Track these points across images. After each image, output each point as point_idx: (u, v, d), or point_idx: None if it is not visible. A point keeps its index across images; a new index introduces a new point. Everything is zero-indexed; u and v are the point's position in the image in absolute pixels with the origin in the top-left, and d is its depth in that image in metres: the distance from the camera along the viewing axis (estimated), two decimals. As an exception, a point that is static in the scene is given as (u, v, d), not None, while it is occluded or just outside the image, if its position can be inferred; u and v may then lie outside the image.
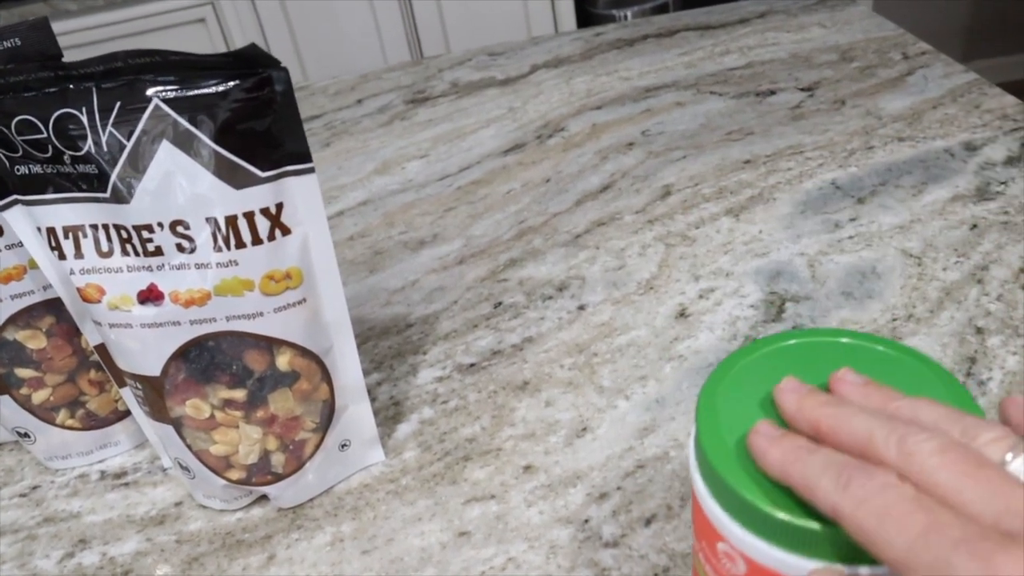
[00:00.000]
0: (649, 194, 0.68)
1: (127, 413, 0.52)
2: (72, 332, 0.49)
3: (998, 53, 2.56)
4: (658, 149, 0.74)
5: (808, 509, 0.27)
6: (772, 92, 0.82)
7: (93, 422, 0.51)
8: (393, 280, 0.63)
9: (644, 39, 0.97)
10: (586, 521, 0.43)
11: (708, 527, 0.30)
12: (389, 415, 0.51)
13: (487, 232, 0.67)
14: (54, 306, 0.47)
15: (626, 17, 1.92)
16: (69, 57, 0.39)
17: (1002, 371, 0.48)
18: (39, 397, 0.49)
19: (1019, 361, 0.48)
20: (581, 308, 0.57)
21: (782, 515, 0.27)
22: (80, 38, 1.71)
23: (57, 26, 1.69)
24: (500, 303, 0.59)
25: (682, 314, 0.55)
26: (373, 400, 0.52)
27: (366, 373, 0.54)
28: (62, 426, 0.51)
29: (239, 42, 1.80)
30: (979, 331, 0.51)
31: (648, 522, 0.42)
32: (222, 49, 1.80)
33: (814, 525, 0.26)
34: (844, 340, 0.32)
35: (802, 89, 0.82)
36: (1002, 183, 0.65)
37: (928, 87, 0.79)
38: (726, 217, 0.64)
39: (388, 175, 0.77)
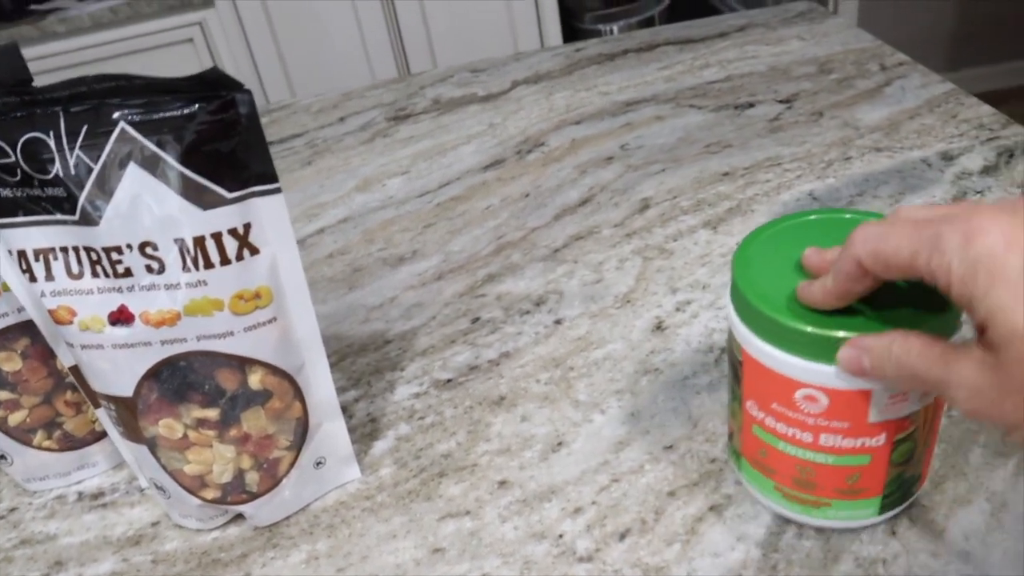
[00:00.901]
0: (627, 208, 0.69)
1: (104, 434, 0.52)
2: (47, 354, 0.49)
3: (982, 62, 2.58)
4: (637, 163, 0.75)
5: (866, 322, 0.33)
6: (751, 105, 0.83)
7: (70, 443, 0.51)
8: (372, 297, 0.63)
9: (624, 54, 0.98)
10: (560, 536, 0.43)
11: (780, 385, 0.36)
12: (366, 432, 0.51)
13: (466, 248, 0.67)
14: (29, 328, 0.47)
15: (612, 31, 1.94)
16: (58, 78, 0.39)
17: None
18: (15, 419, 0.49)
19: (993, 369, 0.49)
20: (558, 322, 0.57)
21: (858, 334, 0.33)
22: (68, 59, 1.71)
23: (45, 48, 1.70)
24: (478, 318, 0.59)
25: (659, 327, 0.56)
26: (350, 417, 0.52)
27: (343, 390, 0.54)
28: (39, 447, 0.50)
29: (227, 61, 1.81)
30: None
31: (622, 536, 0.42)
32: (210, 68, 1.81)
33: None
34: (847, 216, 0.39)
35: (780, 101, 0.82)
36: (978, 192, 0.65)
37: (905, 97, 0.80)
38: (704, 229, 0.65)
39: (369, 192, 0.77)
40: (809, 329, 0.33)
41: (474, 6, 1.83)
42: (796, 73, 0.87)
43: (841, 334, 0.33)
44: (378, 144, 0.85)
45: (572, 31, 1.97)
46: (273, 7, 1.76)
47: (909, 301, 0.34)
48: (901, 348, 0.31)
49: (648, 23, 1.94)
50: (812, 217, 0.39)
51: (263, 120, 0.94)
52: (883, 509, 0.39)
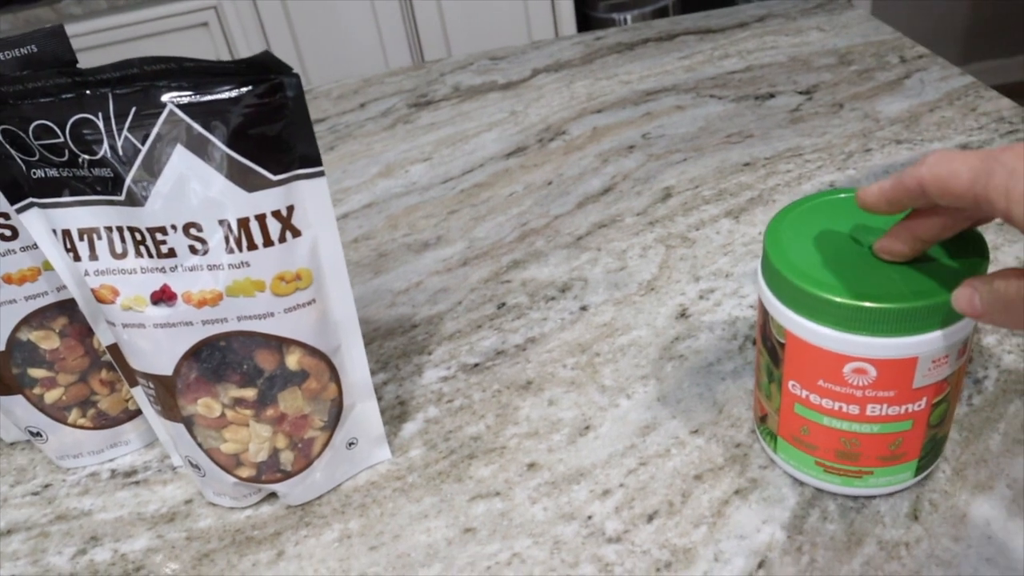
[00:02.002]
0: (650, 196, 0.69)
1: (137, 412, 0.53)
2: (84, 332, 0.49)
3: (996, 55, 2.57)
4: (658, 152, 0.75)
5: (909, 293, 0.35)
6: (771, 95, 0.83)
7: (104, 421, 0.52)
8: (398, 282, 0.64)
9: (644, 43, 0.98)
10: (589, 517, 0.44)
11: (827, 362, 0.37)
12: (395, 414, 0.52)
13: (490, 234, 0.67)
14: (67, 307, 0.48)
15: (626, 21, 1.94)
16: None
17: (998, 370, 0.49)
18: (51, 397, 0.50)
19: (1015, 360, 0.49)
20: (583, 309, 0.58)
21: (909, 304, 0.34)
22: (84, 42, 1.72)
23: (61, 30, 1.70)
24: (503, 304, 0.60)
25: (682, 314, 0.56)
26: (379, 399, 0.53)
27: (372, 373, 0.55)
28: (74, 425, 0.51)
29: (241, 46, 1.82)
30: (975, 330, 0.52)
31: (650, 518, 0.43)
32: (225, 52, 1.81)
33: (940, 297, 0.34)
34: None
35: (801, 92, 0.83)
36: (998, 185, 0.66)
37: (925, 90, 0.80)
38: (726, 219, 0.65)
39: (392, 178, 0.78)
40: (867, 304, 0.35)
41: (489, -6, 1.83)
42: (816, 64, 0.88)
43: (894, 306, 0.34)
44: (399, 130, 0.86)
45: (586, 20, 1.97)
46: (288, -8, 1.77)
47: (943, 267, 0.36)
48: (1003, 280, 0.32)
49: (662, 12, 1.93)
50: (842, 196, 0.41)
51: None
52: (919, 471, 0.41)
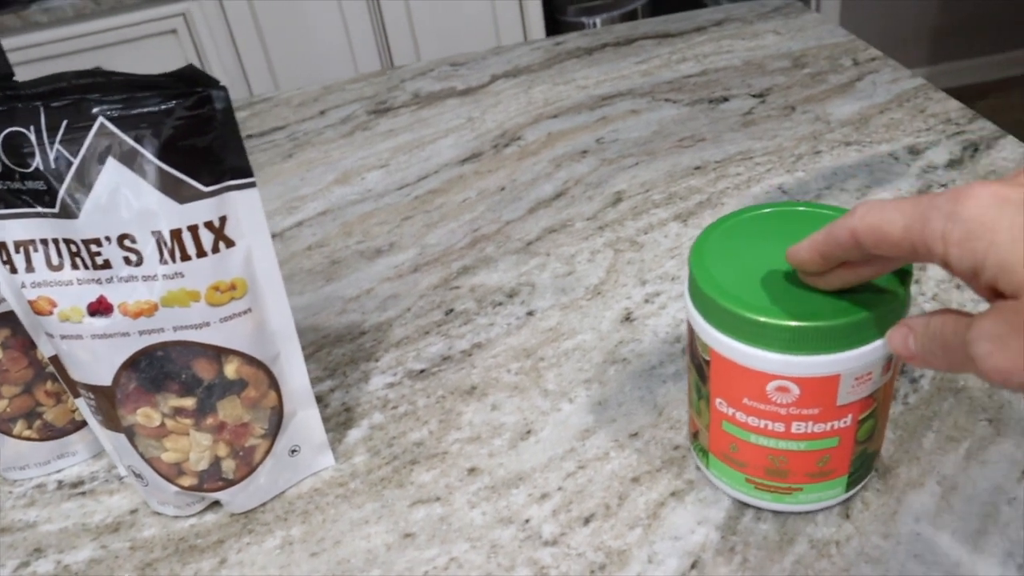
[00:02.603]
0: (601, 201, 0.70)
1: (84, 423, 0.53)
2: (28, 344, 0.49)
3: (965, 56, 2.60)
4: (611, 156, 0.76)
5: (829, 310, 0.35)
6: (725, 99, 0.84)
7: (50, 432, 0.52)
8: (349, 289, 0.64)
9: (603, 48, 0.99)
10: (527, 521, 0.44)
11: (751, 380, 0.37)
12: (341, 421, 0.52)
13: (442, 240, 0.68)
14: (9, 319, 0.48)
15: (595, 25, 1.95)
16: (42, 69, 0.40)
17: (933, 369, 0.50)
18: (-4, 409, 0.50)
19: (949, 359, 0.50)
20: (530, 314, 0.59)
21: (828, 322, 0.34)
22: (51, 50, 1.71)
23: (27, 38, 1.70)
24: (452, 310, 0.60)
25: (627, 318, 0.57)
26: (325, 407, 0.53)
27: (319, 380, 0.56)
28: (19, 437, 0.51)
29: (211, 53, 1.81)
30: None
31: (587, 521, 0.44)
32: (194, 59, 1.81)
33: (860, 314, 0.34)
34: (801, 209, 0.40)
35: (754, 95, 0.84)
36: (943, 185, 0.67)
37: (876, 92, 0.82)
38: (675, 222, 0.66)
39: (348, 185, 0.78)
40: (786, 323, 0.35)
41: (457, 1, 1.84)
42: (770, 67, 0.89)
43: (813, 324, 0.35)
44: (358, 137, 0.86)
45: (555, 24, 1.98)
46: (256, -2, 1.77)
47: (865, 289, 0.36)
48: (938, 321, 0.32)
49: (631, 16, 1.95)
50: (766, 211, 0.41)
51: (244, 113, 0.94)
52: (849, 486, 0.41)
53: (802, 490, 0.41)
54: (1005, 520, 0.41)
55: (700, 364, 0.40)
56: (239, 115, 0.95)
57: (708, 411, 0.41)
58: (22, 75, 0.41)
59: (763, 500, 0.42)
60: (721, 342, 0.37)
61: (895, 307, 0.36)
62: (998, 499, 0.42)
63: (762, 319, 0.35)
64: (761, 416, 0.38)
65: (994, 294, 0.29)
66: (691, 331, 0.40)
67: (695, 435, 0.44)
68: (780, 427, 0.38)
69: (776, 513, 0.43)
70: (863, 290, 0.36)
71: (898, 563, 0.40)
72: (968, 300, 0.55)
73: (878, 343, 0.36)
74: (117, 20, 1.73)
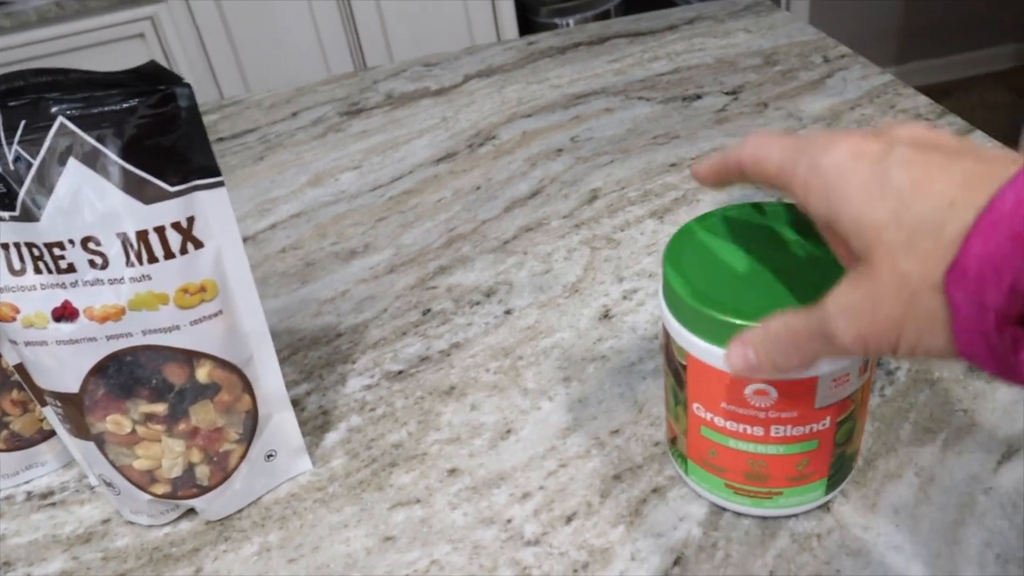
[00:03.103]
0: (576, 199, 0.70)
1: (53, 432, 0.51)
2: (-8, 352, 0.48)
3: (932, 55, 2.64)
4: (586, 155, 0.76)
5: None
6: (698, 96, 0.84)
7: (18, 443, 0.51)
8: (324, 291, 0.63)
9: (576, 47, 0.99)
10: (508, 521, 0.44)
11: (729, 384, 0.36)
12: (318, 424, 0.51)
13: (417, 241, 0.67)
14: (-28, 327, 0.47)
15: (568, 25, 1.95)
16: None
17: (909, 361, 0.50)
18: (-40, 419, 0.49)
19: (926, 350, 0.50)
20: (508, 313, 0.58)
21: None
22: (14, 55, 1.68)
23: (-10, 43, 1.66)
24: (429, 310, 0.59)
25: (606, 315, 0.57)
26: (302, 410, 0.53)
27: (295, 383, 0.55)
28: (-15, 448, 0.50)
29: (179, 56, 1.79)
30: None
31: (569, 520, 0.43)
32: (163, 63, 1.78)
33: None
34: (773, 205, 0.40)
35: (727, 93, 0.84)
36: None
37: (847, 89, 0.82)
38: (651, 219, 0.66)
39: (321, 187, 0.77)
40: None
41: (430, 2, 1.83)
42: (742, 65, 0.89)
43: None
44: (331, 139, 0.85)
45: (529, 25, 1.98)
46: (225, 2, 1.74)
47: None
48: (777, 322, 0.32)
49: (604, 16, 1.95)
50: (730, 214, 0.40)
51: (215, 116, 0.93)
52: (829, 489, 0.41)
53: (782, 494, 0.40)
54: (982, 510, 0.41)
55: (677, 369, 0.39)
56: (209, 118, 0.94)
57: (686, 416, 0.40)
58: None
59: (743, 505, 0.42)
60: (698, 346, 0.36)
61: None
62: (975, 489, 0.42)
63: (738, 322, 0.34)
64: (740, 420, 0.38)
65: (848, 253, 0.29)
66: (667, 335, 0.39)
67: (673, 440, 0.43)
68: (759, 431, 0.38)
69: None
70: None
71: (878, 555, 0.40)
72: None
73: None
74: (82, 24, 1.70)
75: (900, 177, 0.26)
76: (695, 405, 0.39)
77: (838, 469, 0.41)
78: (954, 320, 0.25)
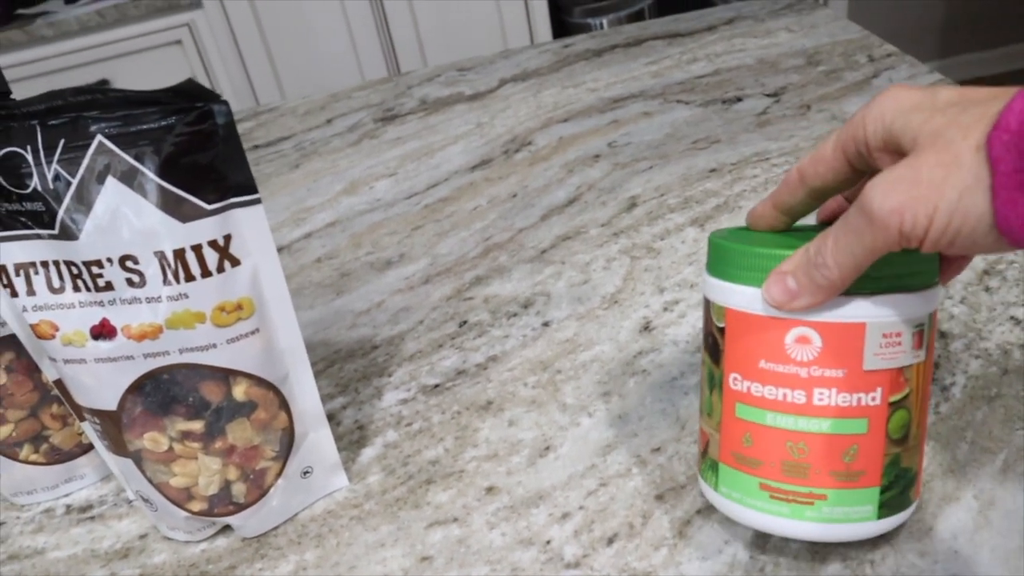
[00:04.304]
0: (615, 206, 0.69)
1: (91, 446, 0.52)
2: (32, 367, 0.48)
3: (975, 48, 2.58)
4: (624, 160, 0.75)
5: None
6: (738, 99, 0.82)
7: (57, 456, 0.51)
8: (359, 302, 0.63)
9: (612, 49, 0.97)
10: (548, 542, 0.43)
11: (769, 333, 0.35)
12: (354, 439, 0.51)
13: (453, 250, 0.67)
14: (13, 342, 0.47)
15: (602, 26, 1.93)
16: (47, 83, 0.39)
17: (965, 376, 0.48)
18: (1, 433, 0.49)
19: (983, 365, 0.49)
20: (546, 325, 0.57)
21: None
22: (57, 64, 1.71)
23: (33, 52, 1.69)
24: (465, 322, 0.59)
25: (646, 328, 0.55)
26: (338, 424, 0.52)
27: (331, 397, 0.54)
28: (26, 461, 0.50)
29: (216, 63, 1.81)
30: (942, 335, 0.51)
31: (610, 541, 0.42)
32: (199, 69, 1.80)
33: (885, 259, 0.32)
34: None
35: (768, 95, 0.82)
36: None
37: (893, 90, 0.80)
38: (691, 227, 0.65)
39: (356, 195, 0.77)
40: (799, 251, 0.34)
41: (463, 4, 1.82)
42: (784, 66, 0.87)
43: None
44: (365, 146, 0.85)
45: (562, 26, 1.96)
46: (261, 7, 1.76)
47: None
48: (815, 241, 0.33)
49: (637, 16, 1.93)
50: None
51: (250, 123, 0.93)
52: (881, 509, 0.37)
53: (826, 498, 0.36)
54: (1047, 535, 0.39)
55: (715, 340, 0.38)
56: (244, 126, 0.94)
57: (720, 400, 0.38)
58: (29, 90, 0.39)
59: (780, 515, 0.37)
60: (735, 293, 0.36)
61: (920, 259, 0.34)
62: (1039, 512, 0.40)
63: (777, 251, 0.35)
64: (779, 383, 0.36)
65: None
66: (706, 310, 0.38)
67: (704, 452, 0.40)
68: (801, 396, 0.35)
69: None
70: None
71: (936, 582, 0.38)
72: (998, 304, 0.53)
73: (905, 296, 0.34)
74: (122, 32, 1.73)
75: (947, 93, 0.30)
76: (732, 376, 0.37)
77: (892, 480, 0.37)
78: (994, 175, 0.27)
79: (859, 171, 0.34)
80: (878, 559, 0.39)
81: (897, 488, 0.37)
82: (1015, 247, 0.29)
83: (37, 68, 1.70)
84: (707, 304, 0.39)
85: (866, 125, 0.32)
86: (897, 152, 0.31)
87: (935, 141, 0.29)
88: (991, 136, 0.27)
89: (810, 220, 0.41)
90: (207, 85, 1.83)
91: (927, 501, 0.42)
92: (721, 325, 0.37)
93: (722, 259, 0.37)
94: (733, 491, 0.39)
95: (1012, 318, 0.51)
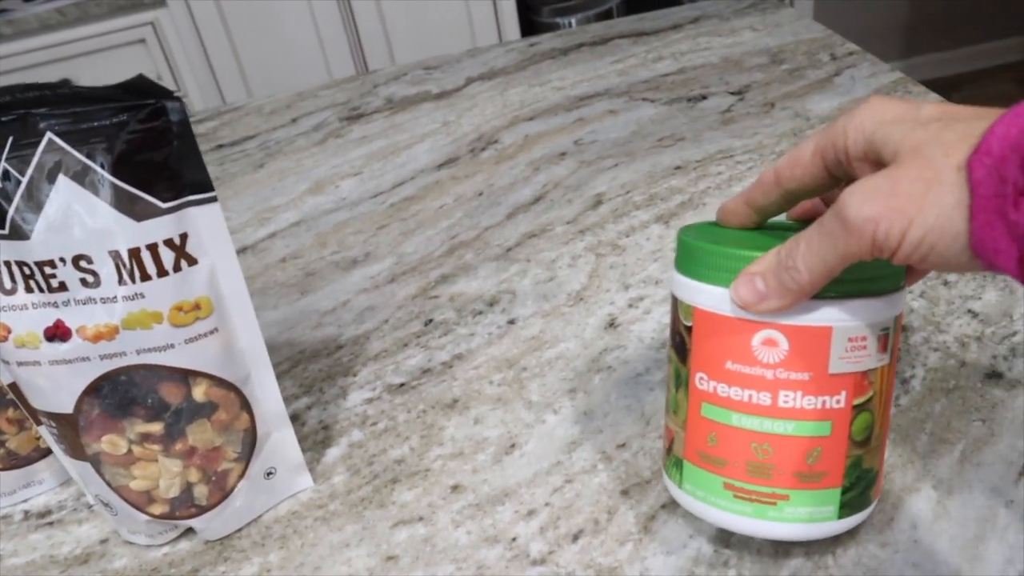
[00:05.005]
0: (580, 204, 0.69)
1: (50, 451, 0.51)
2: (-14, 371, 0.47)
3: (938, 48, 2.62)
4: (590, 158, 0.75)
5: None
6: (703, 97, 0.83)
7: (14, 461, 0.50)
8: (324, 301, 0.62)
9: (578, 48, 0.97)
10: (514, 539, 0.43)
11: (736, 334, 0.36)
12: (318, 439, 0.50)
13: (418, 249, 0.66)
14: (-34, 345, 0.46)
15: (570, 25, 1.93)
16: (6, 82, 0.38)
17: (924, 368, 0.49)
18: (-45, 439, 0.48)
19: (941, 357, 0.49)
20: (511, 322, 0.57)
21: None
22: (15, 63, 1.68)
23: (-9, 51, 1.66)
24: (431, 320, 0.58)
25: (611, 324, 0.55)
26: (302, 425, 0.52)
27: (295, 397, 0.54)
28: (-19, 467, 0.49)
29: (181, 62, 1.78)
30: (903, 328, 0.52)
31: (575, 537, 0.42)
32: (164, 69, 1.78)
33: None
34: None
35: (732, 93, 0.83)
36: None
37: (855, 87, 0.81)
38: (656, 224, 0.65)
39: (322, 195, 0.76)
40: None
41: (431, 2, 1.82)
42: (748, 64, 0.88)
43: None
44: (331, 145, 0.84)
45: (531, 26, 1.97)
46: (227, 6, 1.74)
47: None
48: (787, 244, 0.33)
49: (606, 15, 1.94)
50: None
51: (214, 123, 0.92)
52: (842, 509, 0.37)
53: (788, 499, 0.37)
54: (1003, 524, 0.40)
55: (682, 339, 0.38)
56: (208, 124, 0.93)
57: (686, 399, 0.38)
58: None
59: (743, 515, 0.37)
60: (703, 292, 0.36)
61: (888, 265, 0.34)
62: (995, 502, 0.41)
63: (747, 253, 0.34)
64: (746, 384, 0.36)
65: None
66: (674, 308, 0.38)
67: (668, 449, 0.40)
68: (767, 398, 0.36)
69: (770, 524, 0.41)
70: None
71: (896, 572, 0.39)
72: (956, 297, 0.54)
73: (872, 300, 0.35)
74: (84, 31, 1.70)
75: (930, 109, 0.31)
76: (698, 376, 0.37)
77: (854, 481, 0.37)
78: (974, 198, 0.27)
79: (835, 177, 0.34)
80: (840, 551, 0.40)
81: (858, 489, 0.38)
82: (987, 269, 0.29)
83: (-4, 67, 1.67)
84: (675, 302, 0.38)
85: (847, 133, 0.32)
86: (876, 163, 0.31)
87: (916, 155, 0.29)
88: (972, 159, 0.27)
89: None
90: (172, 85, 1.81)
91: (888, 492, 0.42)
92: (688, 324, 0.37)
93: (691, 257, 0.37)
94: (697, 489, 0.39)
95: (970, 311, 0.52)
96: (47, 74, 1.69)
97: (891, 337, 0.36)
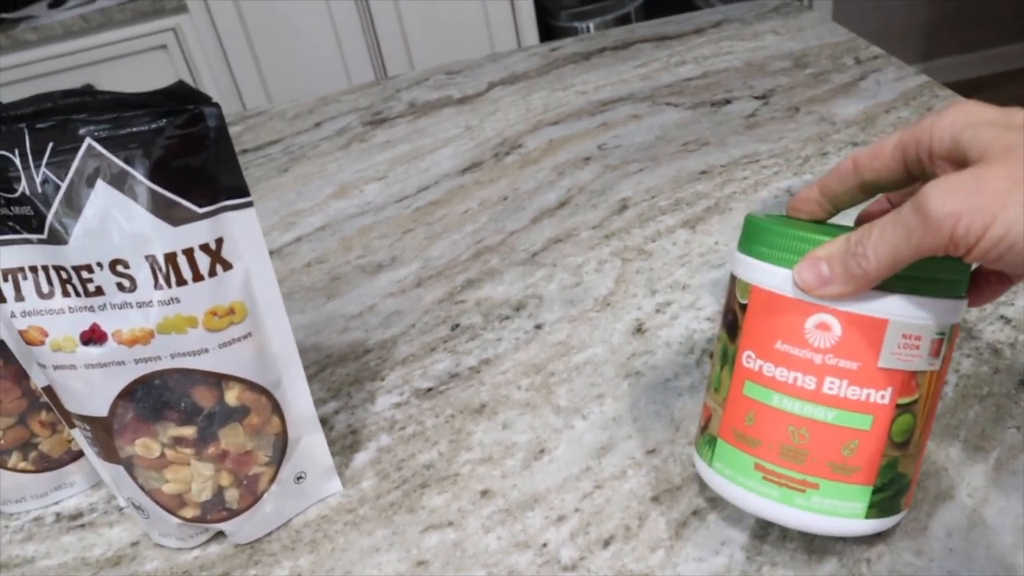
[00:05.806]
0: (606, 209, 0.69)
1: (81, 453, 0.51)
2: (21, 374, 0.48)
3: (959, 51, 2.60)
4: (614, 163, 0.75)
5: None
6: (727, 101, 0.83)
7: (47, 464, 0.50)
8: (351, 306, 0.62)
9: (601, 52, 0.97)
10: (544, 545, 0.43)
11: (791, 314, 0.35)
12: (347, 444, 0.51)
13: (444, 253, 0.66)
14: (2, 348, 0.47)
15: (588, 29, 1.93)
16: (32, 88, 0.39)
17: (957, 375, 0.48)
18: (-11, 441, 0.48)
19: (974, 364, 0.49)
20: (538, 327, 0.57)
21: None
22: (41, 68, 1.69)
23: (17, 57, 1.68)
24: (457, 325, 0.58)
25: (639, 330, 0.55)
26: (330, 429, 0.52)
27: (323, 402, 0.54)
28: (14, 469, 0.50)
29: (202, 67, 1.80)
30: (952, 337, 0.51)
31: (606, 544, 0.42)
32: (185, 74, 1.79)
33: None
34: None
35: (757, 97, 0.82)
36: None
37: (881, 91, 0.80)
38: (682, 229, 0.65)
39: (346, 199, 0.76)
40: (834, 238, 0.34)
41: (449, 7, 1.82)
42: (772, 68, 0.88)
43: None
44: (355, 149, 0.85)
45: (549, 29, 1.97)
46: (247, 11, 1.75)
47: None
48: (860, 230, 0.33)
49: (624, 20, 1.93)
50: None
51: (238, 127, 0.93)
52: (870, 509, 0.37)
53: (818, 487, 0.36)
54: (1041, 532, 0.39)
55: (734, 317, 0.38)
56: (233, 130, 0.94)
57: (730, 377, 0.38)
58: (12, 95, 0.39)
59: (770, 498, 0.37)
60: (766, 271, 0.36)
61: (955, 268, 0.34)
62: (1033, 510, 0.40)
63: (814, 236, 0.34)
64: (792, 366, 0.35)
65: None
66: (731, 288, 0.39)
67: (704, 427, 0.40)
68: (811, 382, 0.35)
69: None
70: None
71: (932, 580, 0.38)
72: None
73: (933, 301, 0.34)
74: (107, 36, 1.71)
75: (1022, 115, 0.31)
76: (746, 354, 0.37)
77: (886, 482, 0.37)
78: None
79: (912, 175, 0.34)
80: (874, 558, 0.40)
81: (889, 492, 0.37)
82: None
83: (20, 73, 1.69)
84: (732, 281, 0.39)
85: (933, 131, 0.32)
86: (960, 163, 0.31)
87: (1007, 156, 0.29)
88: None
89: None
90: (193, 90, 1.82)
91: (921, 500, 0.42)
92: (744, 302, 0.37)
93: (756, 237, 0.37)
94: (727, 467, 0.38)
95: (1002, 317, 0.52)
96: (70, 80, 1.70)
97: (945, 344, 0.36)
